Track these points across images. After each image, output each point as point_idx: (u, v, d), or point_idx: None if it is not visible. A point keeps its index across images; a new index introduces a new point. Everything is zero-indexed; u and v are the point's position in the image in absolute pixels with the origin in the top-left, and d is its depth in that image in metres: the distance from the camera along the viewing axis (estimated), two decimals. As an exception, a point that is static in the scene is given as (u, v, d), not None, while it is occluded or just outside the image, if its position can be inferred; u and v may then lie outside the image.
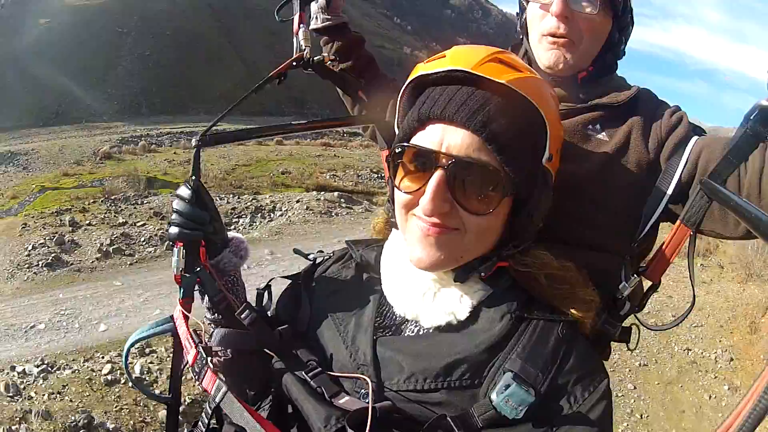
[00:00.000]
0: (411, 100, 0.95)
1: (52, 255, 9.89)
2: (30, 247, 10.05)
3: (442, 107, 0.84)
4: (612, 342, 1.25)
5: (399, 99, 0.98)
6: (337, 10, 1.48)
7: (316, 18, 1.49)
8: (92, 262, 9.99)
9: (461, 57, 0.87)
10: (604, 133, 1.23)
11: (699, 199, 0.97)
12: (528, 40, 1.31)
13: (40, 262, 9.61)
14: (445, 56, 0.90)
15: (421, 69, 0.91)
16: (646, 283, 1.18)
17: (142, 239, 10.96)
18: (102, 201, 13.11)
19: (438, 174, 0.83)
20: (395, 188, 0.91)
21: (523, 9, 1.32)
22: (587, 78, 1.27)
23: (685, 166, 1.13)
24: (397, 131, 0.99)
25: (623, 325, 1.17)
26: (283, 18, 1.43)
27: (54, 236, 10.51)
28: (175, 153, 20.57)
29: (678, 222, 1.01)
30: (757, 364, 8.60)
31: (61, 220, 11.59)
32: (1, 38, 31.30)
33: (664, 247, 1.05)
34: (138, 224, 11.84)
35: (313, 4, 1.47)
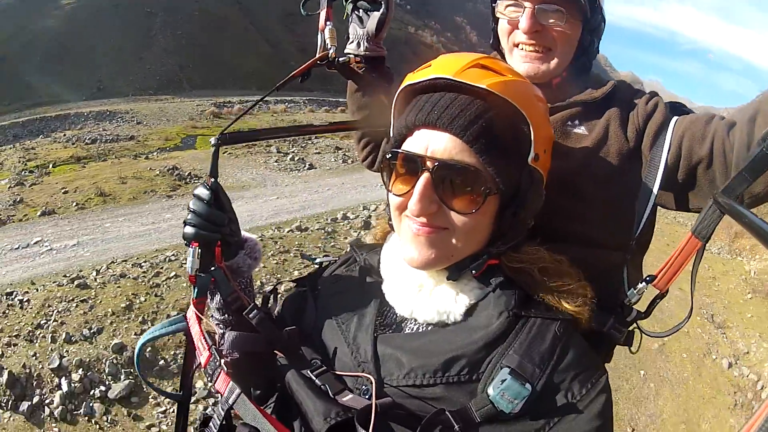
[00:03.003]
0: (402, 107, 0.99)
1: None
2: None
3: (426, 114, 0.88)
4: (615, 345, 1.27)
5: (393, 107, 1.02)
6: (381, 41, 1.41)
7: (358, 43, 1.40)
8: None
9: (445, 65, 0.90)
10: (583, 128, 1.26)
11: (711, 213, 0.97)
12: (502, 49, 1.34)
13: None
14: (430, 65, 0.94)
15: (409, 79, 0.95)
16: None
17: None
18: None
19: (424, 177, 0.87)
20: (388, 192, 0.95)
21: (494, 19, 1.34)
22: (561, 82, 1.30)
23: (668, 153, 1.16)
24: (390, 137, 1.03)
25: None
26: (308, 12, 1.39)
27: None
28: (273, 114, 22.11)
29: (688, 234, 1.03)
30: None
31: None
32: (24, 17, 31.82)
33: (673, 257, 1.06)
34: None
35: (356, 26, 1.39)
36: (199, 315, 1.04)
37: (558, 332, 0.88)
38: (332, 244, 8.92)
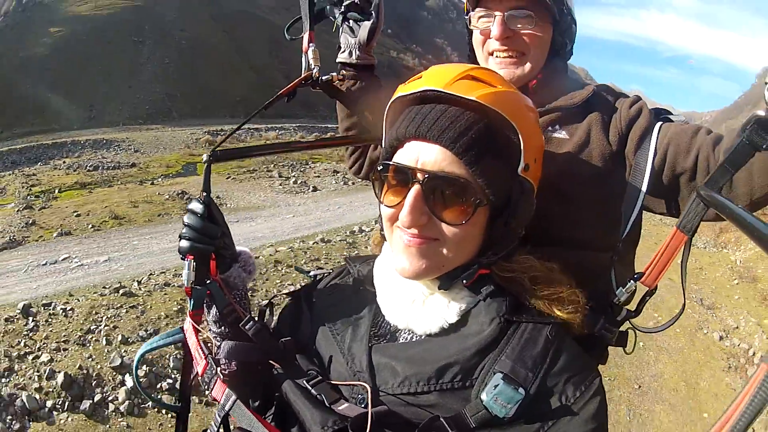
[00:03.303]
0: (394, 118, 1.00)
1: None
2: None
3: (416, 126, 0.89)
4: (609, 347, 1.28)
5: (384, 119, 1.03)
6: (371, 50, 1.45)
7: (350, 52, 1.44)
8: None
9: (435, 77, 0.92)
10: (563, 132, 1.29)
11: (695, 206, 0.97)
12: (478, 61, 1.38)
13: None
14: (421, 77, 0.95)
15: (400, 91, 0.96)
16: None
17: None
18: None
19: (414, 189, 0.88)
20: (380, 203, 0.97)
21: (469, 32, 1.40)
22: (538, 85, 1.32)
23: (654, 159, 1.17)
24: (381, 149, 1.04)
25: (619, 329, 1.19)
26: (292, 36, 1.43)
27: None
28: (266, 141, 22.60)
29: (674, 229, 1.03)
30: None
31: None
32: (14, 46, 32.26)
33: (660, 253, 1.06)
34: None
35: (348, 36, 1.43)
36: (196, 326, 1.06)
37: (550, 336, 0.89)
38: (356, 252, 9.48)
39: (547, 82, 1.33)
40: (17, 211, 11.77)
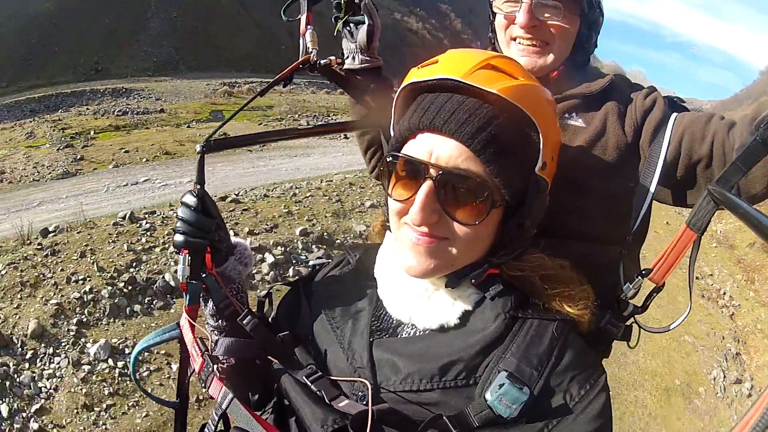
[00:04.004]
0: (405, 105, 0.95)
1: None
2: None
3: (431, 117, 0.83)
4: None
5: (394, 104, 0.98)
6: (374, 51, 1.37)
7: (353, 57, 1.36)
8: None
9: (453, 64, 0.86)
10: (580, 120, 1.26)
11: (706, 204, 0.95)
12: (498, 43, 1.34)
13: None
14: (437, 62, 0.89)
15: (414, 76, 0.90)
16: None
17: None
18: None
19: (427, 185, 0.83)
20: (388, 196, 0.92)
21: (492, 14, 1.35)
22: (558, 76, 1.29)
23: (668, 150, 1.16)
24: (392, 135, 0.99)
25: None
26: (289, 18, 1.37)
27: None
28: (280, 94, 22.87)
29: (684, 226, 1.01)
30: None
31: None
32: (19, 4, 32.35)
33: (669, 250, 1.04)
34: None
35: (348, 41, 1.37)
36: (192, 322, 1.05)
37: (555, 333, 0.87)
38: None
39: (568, 73, 1.30)
40: (58, 149, 12.34)
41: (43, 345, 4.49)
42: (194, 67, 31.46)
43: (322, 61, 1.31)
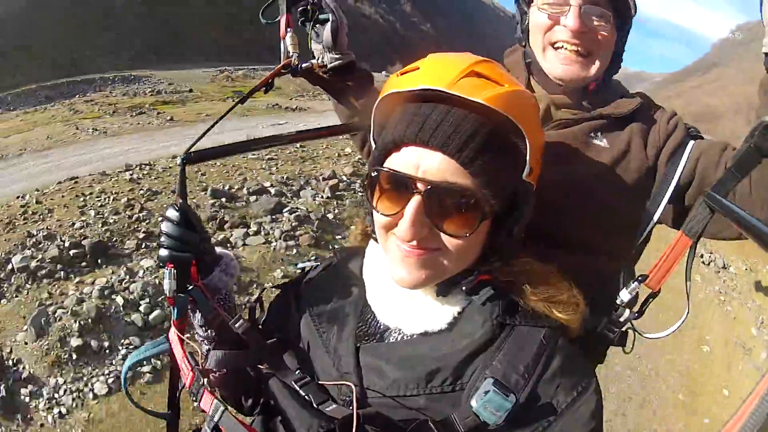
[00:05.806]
0: (386, 114, 0.91)
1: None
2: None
3: (416, 130, 0.80)
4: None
5: (373, 112, 0.94)
6: (343, 47, 1.31)
7: (322, 58, 1.32)
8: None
9: (435, 73, 0.82)
10: (605, 140, 1.24)
11: (702, 210, 0.96)
12: (531, 46, 1.28)
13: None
14: (418, 70, 0.85)
15: (394, 86, 0.86)
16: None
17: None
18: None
19: (415, 200, 0.81)
20: (373, 209, 0.89)
21: (523, 13, 1.29)
22: (596, 89, 1.27)
23: (682, 172, 1.16)
24: (372, 145, 0.96)
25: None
26: (268, 20, 1.32)
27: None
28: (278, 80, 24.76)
29: (680, 232, 1.01)
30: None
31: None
32: None
33: (665, 256, 1.05)
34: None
35: (315, 42, 1.32)
36: (181, 336, 1.05)
37: (544, 340, 0.86)
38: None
39: (605, 87, 1.29)
40: (131, 116, 13.66)
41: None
42: (168, 60, 31.97)
43: (304, 65, 1.27)
